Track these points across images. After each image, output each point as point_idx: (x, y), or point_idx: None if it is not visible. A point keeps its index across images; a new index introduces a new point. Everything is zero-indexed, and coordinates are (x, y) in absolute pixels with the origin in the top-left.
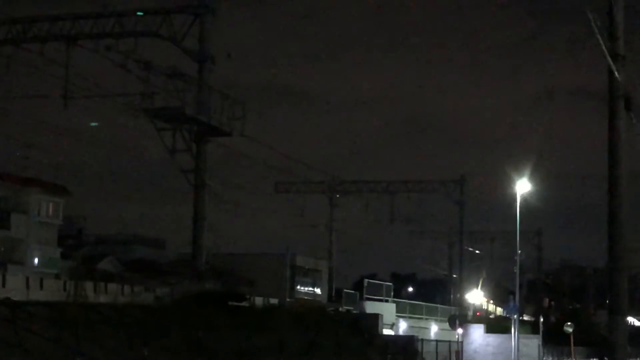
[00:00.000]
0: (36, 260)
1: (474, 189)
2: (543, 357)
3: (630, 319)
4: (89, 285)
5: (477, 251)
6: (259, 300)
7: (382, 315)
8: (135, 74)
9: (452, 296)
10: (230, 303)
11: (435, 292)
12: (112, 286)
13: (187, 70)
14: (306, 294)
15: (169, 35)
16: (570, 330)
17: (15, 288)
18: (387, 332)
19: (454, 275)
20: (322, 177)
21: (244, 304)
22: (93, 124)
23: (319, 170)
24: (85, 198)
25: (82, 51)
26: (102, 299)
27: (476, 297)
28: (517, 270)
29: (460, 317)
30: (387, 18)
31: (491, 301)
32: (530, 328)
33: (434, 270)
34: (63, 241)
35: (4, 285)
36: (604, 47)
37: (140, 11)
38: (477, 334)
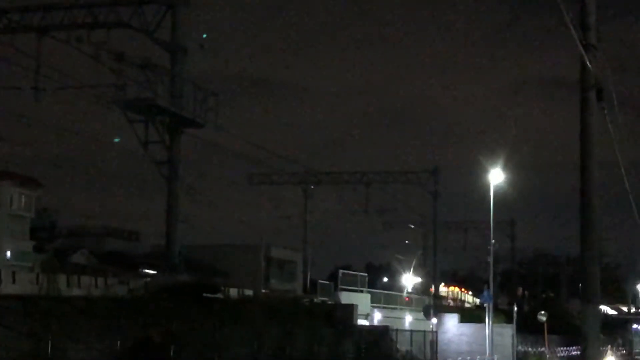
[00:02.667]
0: (8, 254)
1: (447, 179)
2: (517, 346)
3: (603, 307)
4: (62, 278)
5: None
6: (233, 292)
7: (356, 306)
8: (107, 65)
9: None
10: (204, 295)
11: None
12: (85, 279)
13: (160, 62)
14: (281, 285)
15: (141, 26)
16: (544, 319)
17: None
18: (362, 322)
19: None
20: (296, 169)
21: (218, 295)
22: (116, 140)
23: (293, 161)
24: (58, 191)
25: (54, 42)
26: (75, 292)
27: (410, 280)
28: (491, 259)
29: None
30: (362, 9)
31: (464, 290)
32: (504, 317)
33: (408, 260)
34: (36, 234)
35: None
36: (575, 37)
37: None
38: (451, 324)
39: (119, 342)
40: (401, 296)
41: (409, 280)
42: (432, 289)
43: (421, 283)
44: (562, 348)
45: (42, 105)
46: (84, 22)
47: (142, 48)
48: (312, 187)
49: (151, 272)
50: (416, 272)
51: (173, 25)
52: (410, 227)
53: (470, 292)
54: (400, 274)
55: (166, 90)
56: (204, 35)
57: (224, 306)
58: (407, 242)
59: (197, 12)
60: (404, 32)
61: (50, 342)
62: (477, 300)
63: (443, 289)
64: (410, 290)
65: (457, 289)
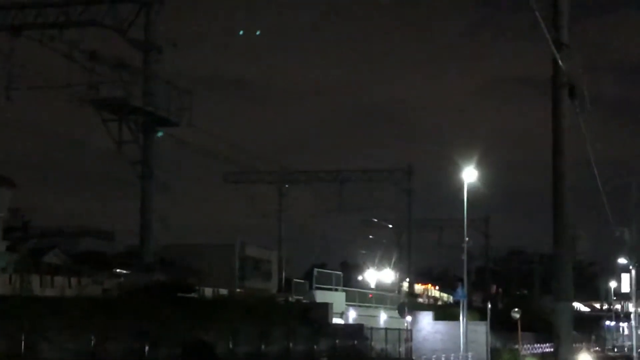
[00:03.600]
0: None
1: (422, 178)
2: (491, 343)
3: (576, 305)
4: (35, 279)
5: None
6: (208, 291)
7: (331, 305)
8: (80, 64)
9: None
10: (178, 294)
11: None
12: (58, 279)
13: (133, 61)
14: (256, 284)
15: (114, 25)
16: (518, 316)
17: None
18: (337, 320)
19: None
20: (271, 167)
21: (193, 295)
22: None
23: (268, 160)
24: (31, 190)
25: (26, 41)
26: (49, 292)
27: (374, 276)
28: (465, 257)
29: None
30: (335, 8)
31: (436, 288)
32: (479, 315)
33: (372, 255)
34: (8, 234)
35: None
36: (548, 36)
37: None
38: (425, 322)
39: (92, 342)
40: (376, 294)
41: (373, 275)
42: (405, 286)
43: (395, 279)
44: (535, 345)
45: (15, 104)
46: (57, 21)
47: (116, 47)
48: (287, 185)
49: (125, 271)
50: (381, 268)
51: (147, 24)
52: (386, 225)
53: (437, 288)
54: (364, 269)
55: (140, 90)
56: (258, 32)
57: (198, 305)
58: (371, 237)
59: (170, 12)
60: (377, 31)
61: (23, 342)
62: (451, 298)
63: (417, 286)
64: (373, 286)
65: (430, 287)
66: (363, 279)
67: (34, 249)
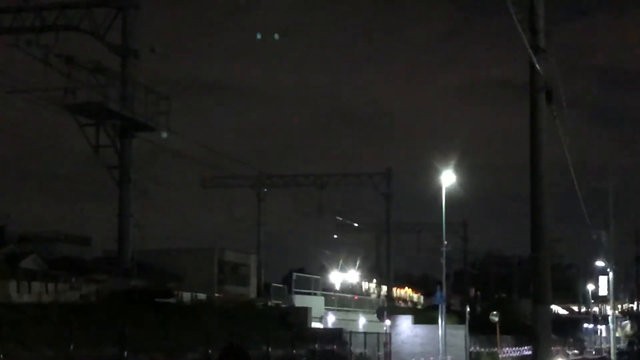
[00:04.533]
0: None
1: (401, 182)
2: (470, 347)
3: (554, 307)
4: (12, 285)
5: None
6: (186, 296)
7: (310, 309)
8: (57, 69)
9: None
10: (157, 300)
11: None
12: (35, 285)
13: (111, 65)
14: (234, 288)
15: (91, 29)
16: (496, 319)
17: None
18: (316, 325)
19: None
20: (249, 172)
21: (171, 300)
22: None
23: (246, 164)
24: (6, 195)
25: (2, 46)
26: (26, 298)
27: (338, 277)
28: (443, 261)
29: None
30: (312, 12)
31: (415, 291)
32: (457, 318)
33: (336, 257)
34: None
35: None
36: (525, 40)
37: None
38: (405, 325)
39: (70, 348)
40: (355, 298)
41: (337, 277)
42: (384, 290)
43: (360, 281)
44: (514, 348)
45: None
46: (32, 25)
47: (93, 52)
48: (266, 190)
49: (103, 277)
50: (345, 269)
51: (123, 28)
52: (364, 229)
53: (419, 293)
54: (328, 271)
55: (117, 94)
56: (277, 39)
57: (176, 311)
58: (335, 236)
59: (147, 16)
60: (355, 34)
61: (0, 348)
62: (425, 301)
63: (395, 290)
64: (338, 288)
65: (408, 291)
66: (327, 281)
67: (10, 254)
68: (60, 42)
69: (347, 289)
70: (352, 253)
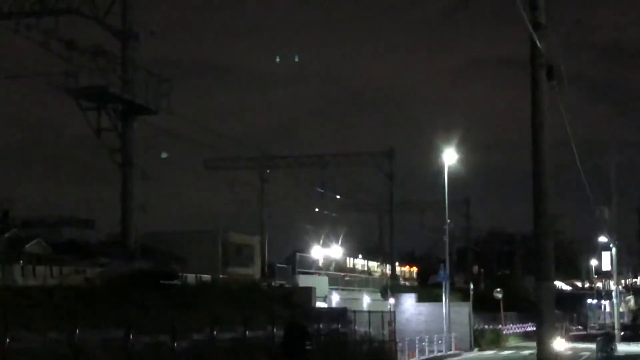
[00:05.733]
0: None
1: (403, 161)
2: (474, 324)
3: (558, 283)
4: (17, 269)
5: None
6: (191, 278)
7: (314, 289)
8: (58, 53)
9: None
10: (161, 282)
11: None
12: (40, 269)
13: (111, 48)
14: (239, 269)
15: (90, 12)
16: (500, 296)
17: None
18: (320, 304)
19: None
20: (252, 153)
21: (176, 282)
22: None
23: (248, 145)
24: (9, 180)
25: (2, 31)
26: (31, 282)
27: (320, 253)
28: (446, 239)
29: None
30: None
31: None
32: (461, 296)
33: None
34: None
35: None
36: (525, 17)
37: None
38: (408, 304)
39: (76, 331)
40: (360, 278)
41: (319, 252)
42: (389, 268)
43: (343, 256)
44: (518, 324)
45: None
46: (32, 9)
47: (93, 35)
48: (269, 171)
49: (107, 260)
50: (328, 244)
51: (123, 11)
52: (367, 208)
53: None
54: (310, 246)
55: (118, 77)
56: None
57: (181, 293)
58: (317, 209)
59: None
60: (356, 15)
61: (6, 332)
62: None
63: (399, 268)
64: (321, 265)
65: (409, 268)
66: (308, 256)
67: (15, 239)
68: (60, 26)
69: (347, 268)
70: (349, 229)
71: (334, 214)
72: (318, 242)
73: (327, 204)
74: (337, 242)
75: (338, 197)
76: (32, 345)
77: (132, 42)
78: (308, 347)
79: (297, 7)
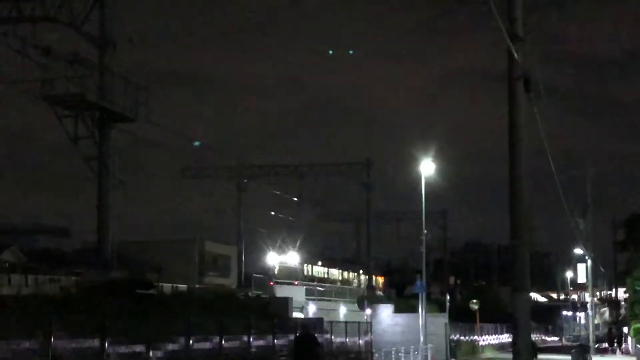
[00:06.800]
0: None
1: (380, 171)
2: (450, 335)
3: (533, 295)
4: None
5: None
6: (167, 288)
7: (291, 299)
8: (34, 60)
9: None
10: (137, 291)
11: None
12: (15, 277)
13: (89, 56)
14: (215, 279)
15: (68, 20)
16: (476, 307)
17: None
18: (297, 315)
19: None
20: (229, 162)
21: (152, 291)
22: None
23: (225, 155)
24: None
25: None
26: (5, 290)
27: (276, 259)
28: (423, 249)
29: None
30: (291, 3)
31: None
32: (438, 307)
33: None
34: None
35: None
36: (502, 29)
37: None
38: (385, 314)
39: (50, 341)
40: (337, 288)
41: (275, 259)
42: (364, 279)
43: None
44: (494, 335)
45: None
46: (9, 16)
47: (71, 42)
48: (246, 180)
49: (82, 269)
50: (284, 250)
51: (101, 19)
52: (344, 218)
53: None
54: (265, 252)
55: (95, 85)
56: (351, 52)
57: (157, 302)
58: (272, 213)
59: (125, 6)
60: (333, 26)
61: None
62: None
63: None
64: (277, 272)
65: (377, 278)
66: (264, 263)
67: None
68: (37, 33)
69: (326, 279)
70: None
71: (290, 218)
72: (274, 248)
73: (303, 214)
74: (294, 248)
75: (314, 206)
76: (5, 355)
77: (110, 50)
78: (319, 355)
79: (276, 16)
